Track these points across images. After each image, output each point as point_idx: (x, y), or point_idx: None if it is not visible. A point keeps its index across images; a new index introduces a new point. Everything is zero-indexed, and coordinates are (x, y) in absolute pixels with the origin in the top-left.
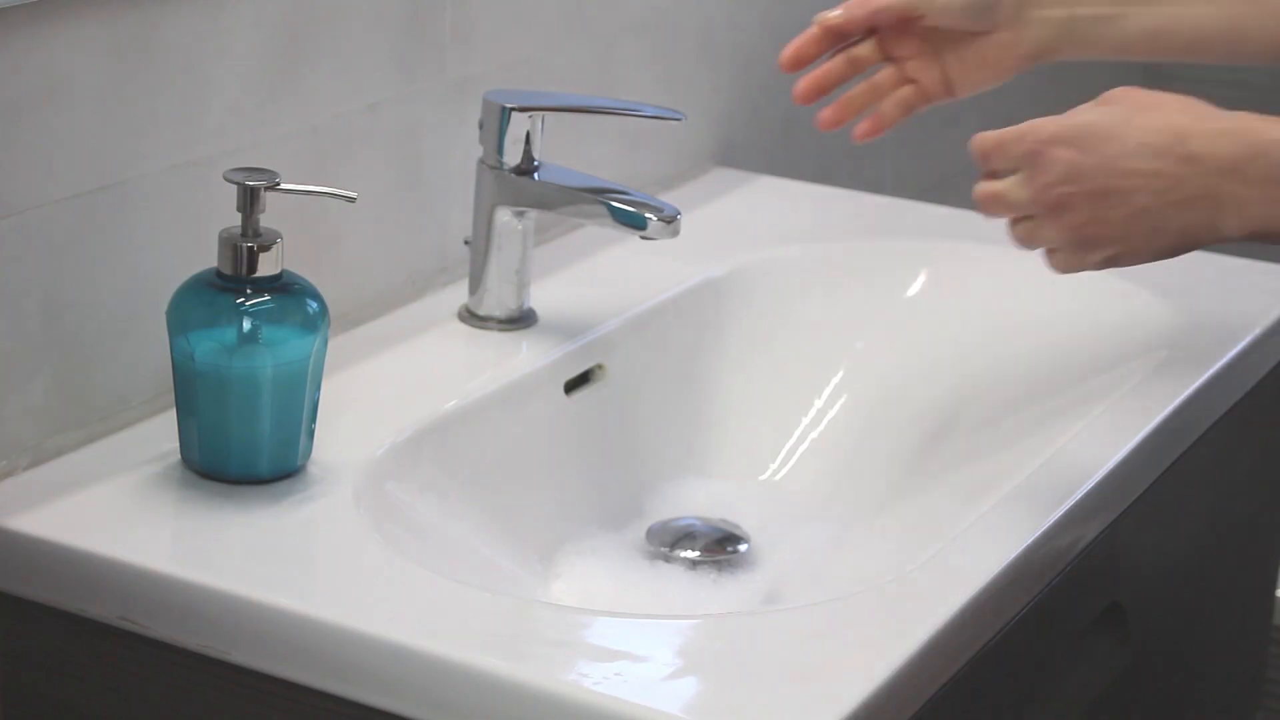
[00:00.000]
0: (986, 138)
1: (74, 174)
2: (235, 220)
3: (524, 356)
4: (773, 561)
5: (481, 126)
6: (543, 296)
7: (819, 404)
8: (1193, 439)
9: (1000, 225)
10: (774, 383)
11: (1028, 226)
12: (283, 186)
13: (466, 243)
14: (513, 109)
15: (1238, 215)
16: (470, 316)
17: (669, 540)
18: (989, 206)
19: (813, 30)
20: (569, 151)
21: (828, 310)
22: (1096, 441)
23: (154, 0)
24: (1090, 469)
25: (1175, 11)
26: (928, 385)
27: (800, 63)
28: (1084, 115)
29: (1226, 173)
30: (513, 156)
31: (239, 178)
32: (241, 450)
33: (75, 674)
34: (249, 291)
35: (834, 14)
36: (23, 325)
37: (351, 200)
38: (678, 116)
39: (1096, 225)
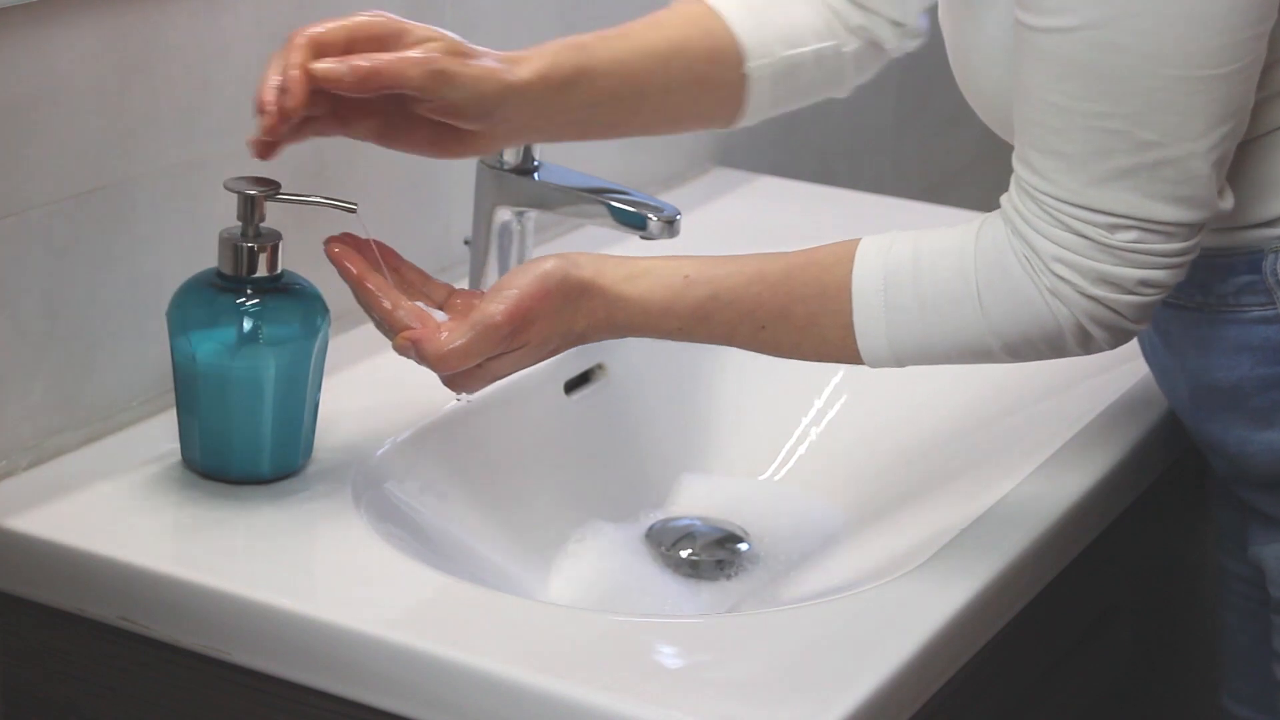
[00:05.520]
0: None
1: (74, 174)
2: (235, 221)
3: None
4: (773, 561)
5: None
6: None
7: (819, 404)
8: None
9: None
10: (774, 383)
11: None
12: (282, 196)
13: (466, 243)
14: None
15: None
16: None
17: (669, 540)
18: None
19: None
20: (569, 151)
21: None
22: (1100, 440)
23: (154, 1)
24: (1094, 467)
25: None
26: (928, 385)
27: (274, 148)
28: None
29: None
30: (512, 156)
31: (239, 186)
32: (242, 450)
33: (75, 674)
34: (249, 291)
35: (325, 68)
36: (23, 325)
37: (353, 210)
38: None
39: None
